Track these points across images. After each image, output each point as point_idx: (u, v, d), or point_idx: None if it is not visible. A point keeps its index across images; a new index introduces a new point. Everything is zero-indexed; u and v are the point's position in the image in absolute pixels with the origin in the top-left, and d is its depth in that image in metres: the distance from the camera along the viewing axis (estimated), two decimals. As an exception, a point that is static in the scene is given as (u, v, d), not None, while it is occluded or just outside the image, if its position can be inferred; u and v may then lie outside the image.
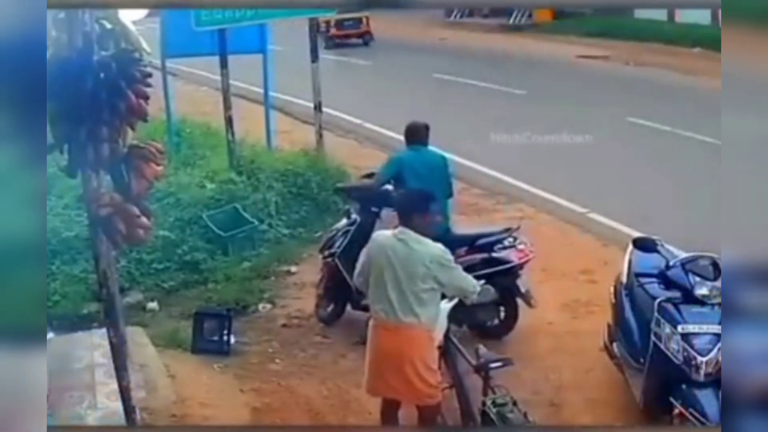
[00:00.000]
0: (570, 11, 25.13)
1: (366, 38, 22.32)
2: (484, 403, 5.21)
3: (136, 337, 6.62)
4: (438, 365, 5.31)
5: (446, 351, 5.49)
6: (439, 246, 5.10)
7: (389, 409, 5.40)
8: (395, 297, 4.99)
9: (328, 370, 6.72)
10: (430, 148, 7.26)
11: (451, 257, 5.11)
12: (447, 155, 7.60)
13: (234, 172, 9.95)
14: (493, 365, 5.22)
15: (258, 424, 5.92)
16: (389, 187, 7.09)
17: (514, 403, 5.10)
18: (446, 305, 5.31)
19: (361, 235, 6.90)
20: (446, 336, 5.47)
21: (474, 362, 5.33)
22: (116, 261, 5.28)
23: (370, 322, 5.24)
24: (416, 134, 7.17)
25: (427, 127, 7.23)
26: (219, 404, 6.11)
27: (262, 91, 11.64)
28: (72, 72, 3.87)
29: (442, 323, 5.30)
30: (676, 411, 5.04)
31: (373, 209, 7.20)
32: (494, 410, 5.08)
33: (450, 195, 7.08)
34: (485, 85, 17.22)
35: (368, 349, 5.23)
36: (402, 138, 7.37)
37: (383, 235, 5.21)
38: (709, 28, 19.92)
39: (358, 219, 7.31)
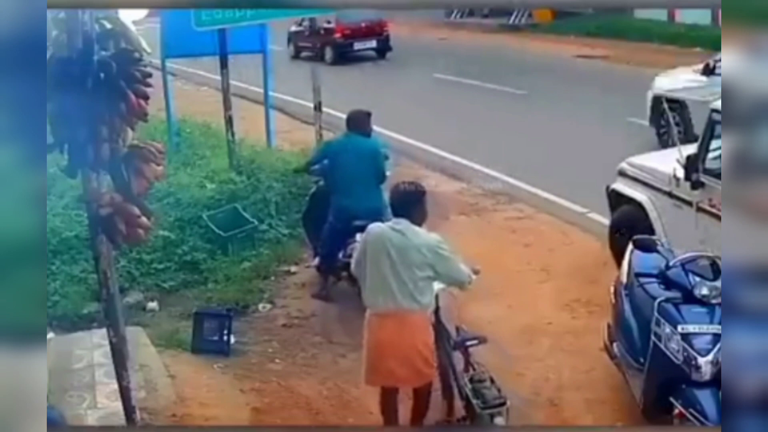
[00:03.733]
0: (570, 11, 25.11)
1: None
2: (458, 379, 5.48)
3: (136, 337, 6.61)
4: None
5: (438, 331, 5.67)
6: (435, 236, 5.28)
7: (389, 397, 5.50)
8: (396, 285, 5.13)
9: (328, 370, 6.72)
10: (372, 136, 7.86)
11: (446, 246, 5.25)
12: (383, 144, 8.20)
13: (234, 172, 9.96)
14: (469, 343, 5.53)
15: (258, 424, 5.92)
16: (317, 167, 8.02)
17: (492, 381, 5.33)
18: (436, 287, 5.49)
19: (315, 202, 8.10)
20: (436, 316, 5.66)
21: (452, 340, 5.63)
22: (116, 261, 5.27)
23: (367, 313, 5.33)
24: (354, 122, 7.75)
25: (368, 115, 7.83)
26: (219, 404, 6.11)
27: (262, 91, 11.66)
28: (72, 72, 3.87)
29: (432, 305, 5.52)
30: (676, 411, 5.03)
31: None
32: (470, 386, 5.32)
33: (381, 181, 7.64)
34: (485, 85, 17.23)
35: (367, 341, 5.31)
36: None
37: (379, 227, 5.35)
38: (709, 28, 19.93)
39: (314, 189, 8.28)
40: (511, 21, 26.68)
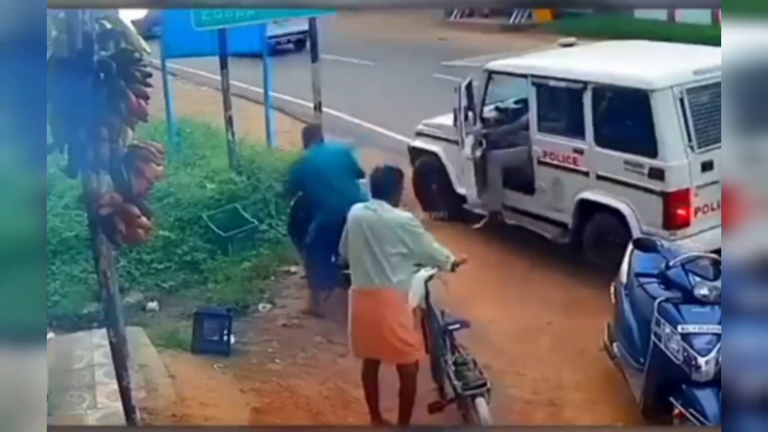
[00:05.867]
0: (570, 11, 25.09)
1: None
2: (446, 362, 5.64)
3: (136, 337, 6.61)
4: (422, 329, 5.87)
5: (428, 316, 5.93)
6: (407, 214, 5.55)
7: (369, 369, 5.77)
8: (370, 263, 5.40)
9: (328, 370, 6.72)
10: (328, 142, 8.31)
11: (418, 224, 5.51)
12: (350, 146, 8.42)
13: (234, 172, 9.96)
14: (451, 327, 5.75)
15: (258, 424, 5.92)
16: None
17: (475, 363, 5.54)
18: (423, 273, 5.75)
19: (296, 212, 8.09)
20: (427, 301, 5.88)
21: (437, 324, 5.84)
22: (116, 261, 5.27)
23: (350, 289, 5.62)
24: (313, 135, 7.99)
25: (319, 127, 8.38)
26: (219, 404, 6.11)
27: (262, 91, 11.65)
28: (72, 72, 3.86)
29: (420, 290, 5.72)
30: (676, 411, 5.04)
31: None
32: (453, 369, 5.51)
33: (360, 176, 7.65)
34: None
35: (349, 315, 5.63)
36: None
37: (358, 207, 5.62)
38: (709, 28, 19.91)
39: (294, 201, 8.20)
40: (511, 21, 26.63)
